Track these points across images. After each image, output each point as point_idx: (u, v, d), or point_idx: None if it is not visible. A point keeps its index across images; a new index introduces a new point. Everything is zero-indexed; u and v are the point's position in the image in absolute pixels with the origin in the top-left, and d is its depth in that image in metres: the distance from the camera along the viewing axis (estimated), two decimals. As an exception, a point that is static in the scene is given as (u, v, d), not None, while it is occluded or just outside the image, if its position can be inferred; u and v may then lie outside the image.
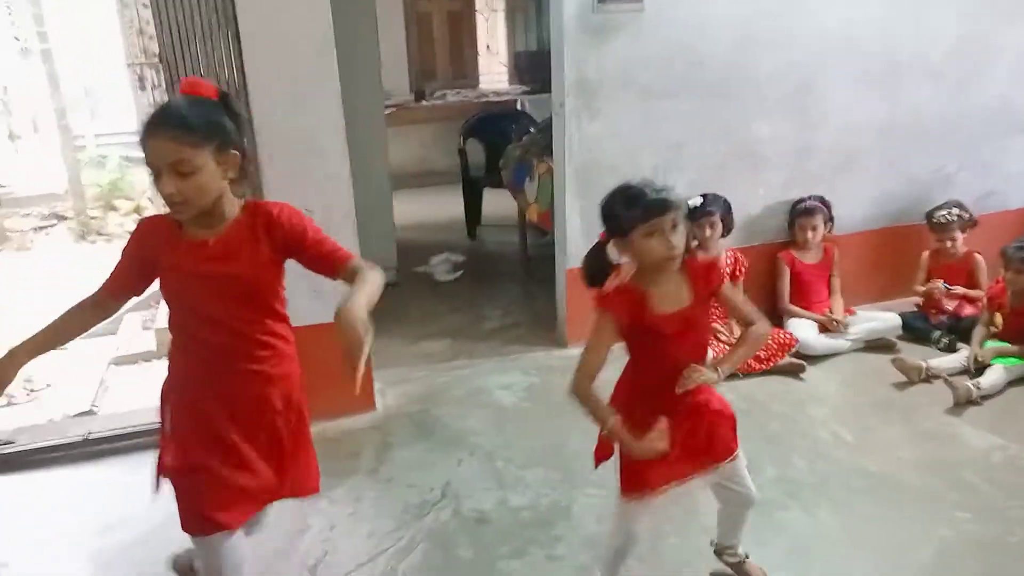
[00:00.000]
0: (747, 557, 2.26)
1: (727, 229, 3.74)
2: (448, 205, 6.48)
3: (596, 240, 1.92)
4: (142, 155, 1.56)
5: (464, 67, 8.47)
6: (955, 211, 3.89)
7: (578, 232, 3.74)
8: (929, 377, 3.47)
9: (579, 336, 3.85)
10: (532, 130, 5.35)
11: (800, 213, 3.90)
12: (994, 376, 3.37)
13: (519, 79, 8.04)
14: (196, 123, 1.54)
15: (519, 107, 7.36)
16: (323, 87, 2.93)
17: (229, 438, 1.74)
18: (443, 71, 8.41)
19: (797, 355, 3.64)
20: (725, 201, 3.71)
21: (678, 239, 1.76)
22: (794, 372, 3.59)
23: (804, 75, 3.85)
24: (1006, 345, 3.53)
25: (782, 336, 3.65)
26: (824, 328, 3.81)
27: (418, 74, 8.10)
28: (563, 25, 3.45)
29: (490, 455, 3.01)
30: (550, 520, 2.63)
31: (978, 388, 3.29)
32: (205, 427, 1.75)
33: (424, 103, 7.73)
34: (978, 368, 3.47)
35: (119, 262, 1.75)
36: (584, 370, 1.85)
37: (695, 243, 3.66)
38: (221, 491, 1.74)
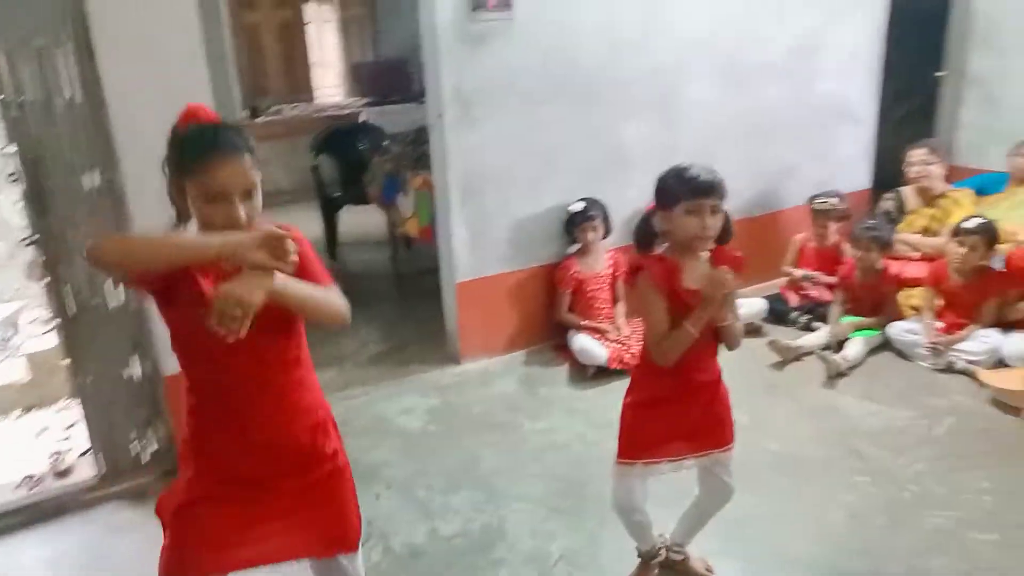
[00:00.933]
0: (688, 555, 2.37)
1: (607, 232, 3.83)
2: (300, 225, 6.14)
3: (643, 213, 2.03)
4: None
5: (298, 80, 8.13)
6: (834, 200, 4.23)
7: (464, 244, 3.68)
8: (800, 356, 3.74)
9: (474, 350, 3.82)
10: (385, 143, 5.23)
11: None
12: (855, 348, 3.68)
13: (360, 91, 7.83)
14: (252, 146, 1.49)
15: (361, 120, 7.16)
16: (193, 95, 2.67)
17: (250, 489, 1.60)
18: (276, 86, 8.03)
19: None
20: (603, 205, 3.81)
21: (714, 222, 1.87)
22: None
23: (666, 79, 4.02)
24: (861, 319, 3.87)
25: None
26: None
27: (250, 89, 7.68)
28: (436, 35, 3.36)
29: (408, 485, 2.88)
30: (486, 543, 2.56)
31: (845, 360, 3.59)
32: (225, 475, 1.60)
33: (259, 120, 7.34)
34: (839, 343, 3.77)
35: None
36: (656, 330, 1.95)
37: (579, 247, 3.78)
38: (220, 531, 1.57)
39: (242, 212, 1.44)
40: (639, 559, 2.34)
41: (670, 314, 1.94)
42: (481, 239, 3.71)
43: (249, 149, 1.47)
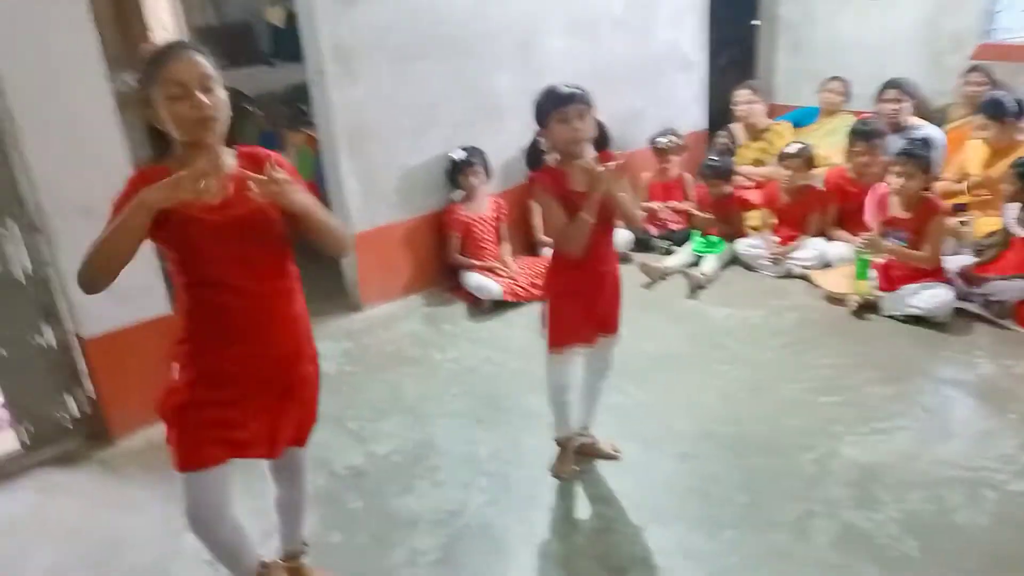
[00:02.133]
0: (595, 439, 2.76)
1: (488, 177, 4.14)
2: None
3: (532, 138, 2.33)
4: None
5: (135, 47, 7.72)
6: (672, 138, 4.72)
7: (357, 196, 3.86)
8: (665, 275, 4.24)
9: (375, 296, 4.04)
10: (248, 106, 5.22)
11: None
12: (710, 264, 4.24)
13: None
14: (207, 53, 1.64)
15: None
16: (84, 65, 2.70)
17: (243, 390, 1.77)
18: (111, 54, 7.59)
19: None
20: (482, 152, 4.10)
21: (582, 126, 2.19)
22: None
23: (526, 30, 4.34)
24: (712, 238, 4.44)
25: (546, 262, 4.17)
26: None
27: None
28: (312, -7, 3.48)
29: (338, 419, 3.09)
30: (421, 455, 2.84)
31: (703, 275, 4.13)
32: (221, 380, 1.76)
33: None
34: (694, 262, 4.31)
35: (114, 215, 1.59)
36: (557, 225, 2.26)
37: (463, 193, 4.05)
38: (217, 429, 1.75)
39: (205, 99, 1.56)
40: (558, 447, 2.70)
41: (566, 213, 2.23)
42: (371, 190, 3.90)
43: (202, 52, 1.63)
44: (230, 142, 1.72)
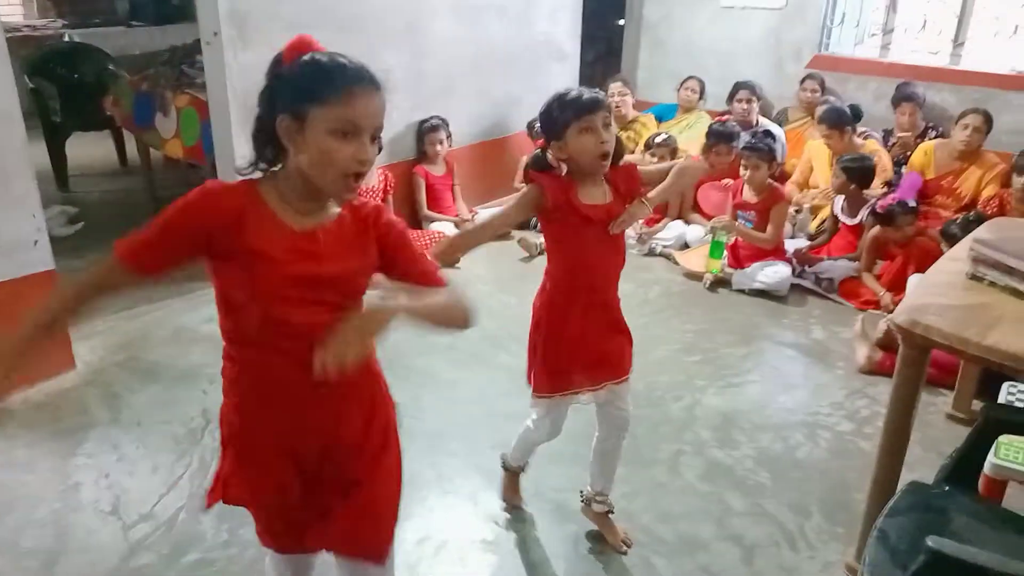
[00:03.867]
0: (611, 512, 2.32)
1: (378, 149, 4.23)
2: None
3: (533, 154, 2.03)
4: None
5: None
6: None
7: (245, 160, 3.82)
8: (543, 250, 4.51)
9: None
10: (111, 67, 5.01)
11: (428, 130, 4.57)
12: (583, 242, 4.56)
13: (56, 12, 7.07)
14: None
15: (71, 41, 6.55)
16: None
17: (292, 479, 1.47)
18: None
19: (448, 249, 4.37)
20: (372, 124, 4.19)
21: (609, 136, 1.88)
22: (450, 264, 4.31)
23: (413, 10, 4.46)
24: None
25: (435, 236, 4.34)
26: (459, 227, 4.60)
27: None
28: (210, -45, 3.45)
29: (233, 377, 3.11)
30: (323, 411, 2.93)
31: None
32: (270, 464, 1.46)
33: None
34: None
35: (163, 230, 1.31)
36: (486, 226, 2.08)
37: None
38: (280, 524, 1.56)
39: (370, 153, 1.30)
40: (504, 471, 2.43)
41: (566, 231, 1.94)
42: (261, 156, 3.89)
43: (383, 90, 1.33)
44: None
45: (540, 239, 4.53)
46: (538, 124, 2.02)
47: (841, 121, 4.57)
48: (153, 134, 4.35)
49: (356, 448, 1.47)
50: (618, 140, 1.94)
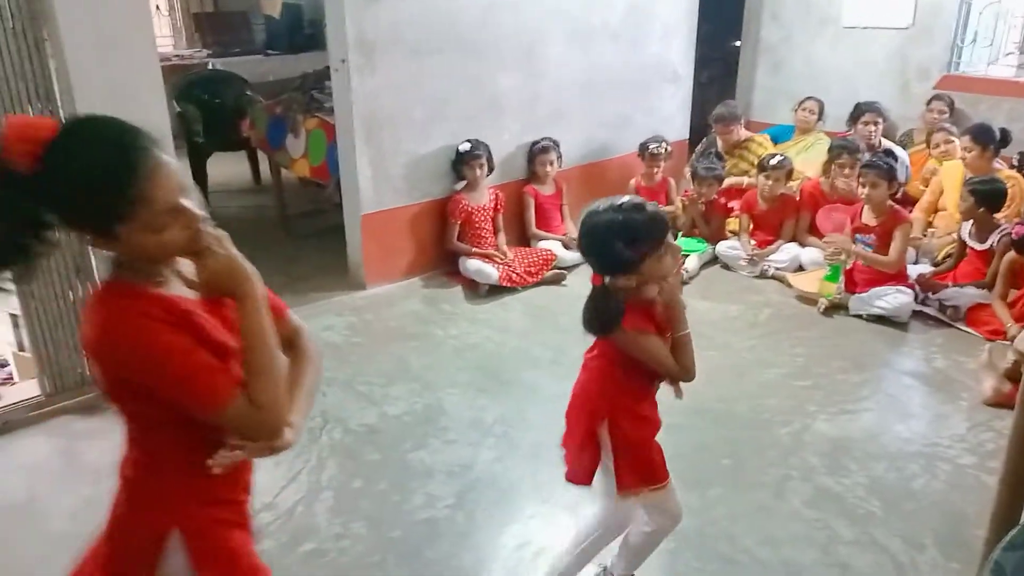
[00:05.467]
0: None
1: (490, 169, 4.38)
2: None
3: (592, 288, 1.85)
4: None
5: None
6: (664, 144, 4.99)
7: (368, 180, 4.06)
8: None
9: (377, 276, 4.25)
10: (248, 92, 5.40)
11: (538, 152, 4.68)
12: (692, 263, 4.53)
13: (202, 42, 7.70)
14: None
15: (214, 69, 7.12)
16: (136, 26, 2.87)
17: None
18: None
19: (557, 268, 4.46)
20: (487, 145, 4.34)
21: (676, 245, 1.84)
22: (557, 281, 4.40)
23: (530, 38, 4.60)
24: (694, 239, 4.75)
25: (544, 254, 4.43)
26: (566, 245, 4.66)
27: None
28: (340, -12, 3.70)
29: (349, 383, 3.29)
30: (431, 417, 3.06)
31: (686, 272, 4.42)
32: None
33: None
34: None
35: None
36: (668, 364, 1.89)
37: (465, 183, 4.27)
38: None
39: (189, 224, 1.19)
40: None
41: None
42: (380, 175, 4.11)
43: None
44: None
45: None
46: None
47: (987, 138, 4.33)
48: (284, 154, 4.66)
49: None
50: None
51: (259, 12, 7.74)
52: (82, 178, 1.12)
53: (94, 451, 2.84)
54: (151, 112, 2.96)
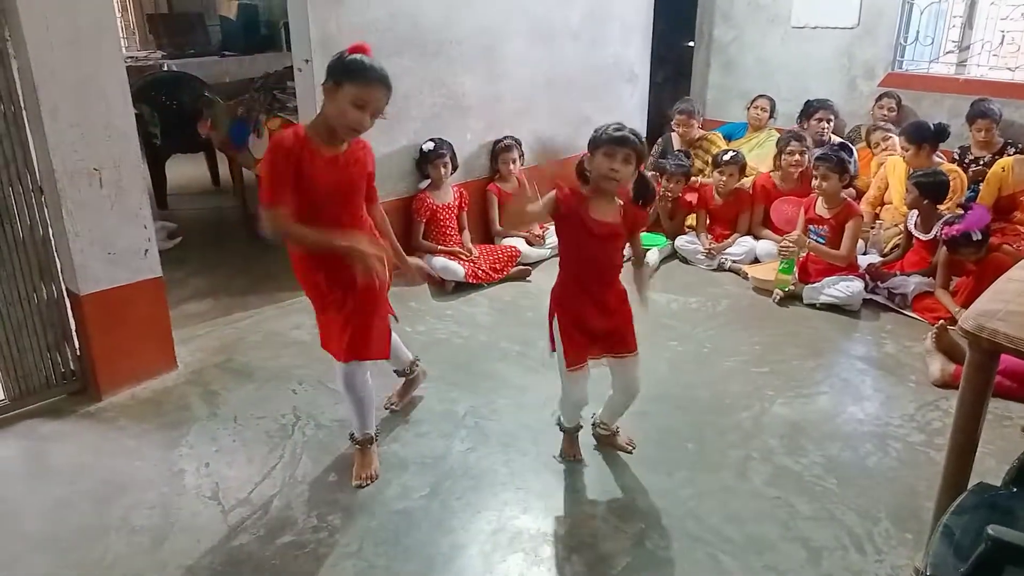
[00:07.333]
0: (617, 430, 2.84)
1: (454, 168, 4.44)
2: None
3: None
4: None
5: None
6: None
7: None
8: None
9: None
10: (207, 94, 5.37)
11: (501, 150, 4.75)
12: (653, 256, 4.66)
13: (156, 43, 7.60)
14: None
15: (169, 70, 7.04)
16: (101, 24, 2.85)
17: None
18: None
19: (521, 264, 4.53)
20: (450, 144, 4.40)
21: (622, 169, 2.31)
22: (522, 277, 4.47)
23: (491, 36, 4.66)
24: (654, 234, 4.87)
25: (509, 250, 4.50)
26: (529, 242, 4.74)
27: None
28: (304, -12, 3.72)
29: (320, 380, 3.31)
30: (403, 411, 3.10)
31: (648, 266, 4.52)
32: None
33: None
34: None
35: (272, 174, 2.20)
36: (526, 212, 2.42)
37: (429, 181, 4.32)
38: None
39: (368, 124, 2.27)
40: (563, 432, 2.80)
41: (574, 237, 2.41)
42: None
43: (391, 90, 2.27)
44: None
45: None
46: None
47: (922, 136, 4.53)
48: (247, 155, 4.65)
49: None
50: (647, 183, 2.43)
51: (214, 13, 7.68)
52: None
53: (63, 453, 2.84)
54: (116, 112, 2.98)
